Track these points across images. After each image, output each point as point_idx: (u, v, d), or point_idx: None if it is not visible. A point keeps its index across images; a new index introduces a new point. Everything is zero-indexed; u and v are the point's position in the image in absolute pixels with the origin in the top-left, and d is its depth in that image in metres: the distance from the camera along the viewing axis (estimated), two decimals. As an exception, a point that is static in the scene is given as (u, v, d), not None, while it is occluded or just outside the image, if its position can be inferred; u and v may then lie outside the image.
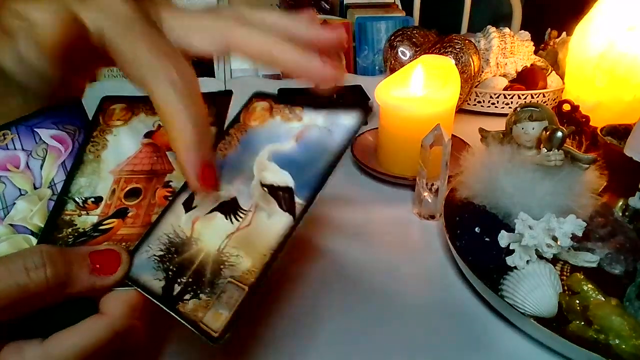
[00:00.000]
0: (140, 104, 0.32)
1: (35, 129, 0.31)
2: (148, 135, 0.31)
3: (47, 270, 0.21)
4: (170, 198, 0.28)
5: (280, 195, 0.25)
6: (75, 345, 0.22)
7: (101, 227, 0.27)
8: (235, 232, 0.25)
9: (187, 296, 0.24)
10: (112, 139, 0.31)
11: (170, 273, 0.25)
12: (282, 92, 0.73)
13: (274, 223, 0.25)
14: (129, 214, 0.28)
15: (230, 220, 0.26)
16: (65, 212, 0.28)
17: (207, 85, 0.75)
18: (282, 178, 0.26)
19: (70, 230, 0.28)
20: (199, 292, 0.24)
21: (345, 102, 0.68)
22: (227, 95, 0.31)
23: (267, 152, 0.27)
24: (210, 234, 0.26)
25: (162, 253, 0.26)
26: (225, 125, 0.30)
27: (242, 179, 0.27)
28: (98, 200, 0.29)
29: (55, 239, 0.27)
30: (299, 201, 0.25)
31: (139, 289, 0.24)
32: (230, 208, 0.26)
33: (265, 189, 0.26)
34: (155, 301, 0.24)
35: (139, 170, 0.30)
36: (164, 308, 0.24)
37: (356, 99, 0.71)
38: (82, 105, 0.32)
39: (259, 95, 0.30)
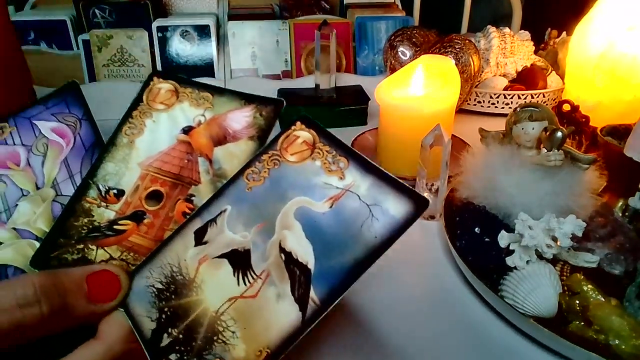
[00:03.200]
0: (188, 90, 0.30)
1: (34, 122, 0.29)
2: (186, 130, 0.29)
3: (42, 306, 0.20)
4: (188, 217, 0.26)
5: (297, 274, 0.22)
6: None
7: (116, 227, 0.27)
8: (238, 297, 0.23)
9: (173, 356, 0.22)
10: (150, 125, 0.30)
11: (163, 316, 0.23)
12: (283, 92, 0.73)
13: (281, 313, 0.21)
14: (145, 221, 0.27)
15: (237, 279, 0.23)
16: (86, 199, 0.28)
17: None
18: (304, 251, 0.22)
19: (86, 220, 0.27)
20: (185, 357, 0.22)
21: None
22: (277, 105, 0.28)
23: (296, 206, 0.24)
24: (213, 286, 0.23)
25: (161, 287, 0.24)
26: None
27: (262, 229, 0.24)
28: (120, 193, 0.28)
29: (70, 227, 0.27)
30: (313, 297, 0.21)
31: (129, 321, 0.23)
32: (240, 262, 0.24)
33: (283, 255, 0.23)
34: (142, 344, 0.23)
35: (166, 170, 0.28)
36: (147, 356, 0.23)
37: (359, 98, 0.71)
38: (81, 93, 0.31)
39: (305, 121, 0.27)
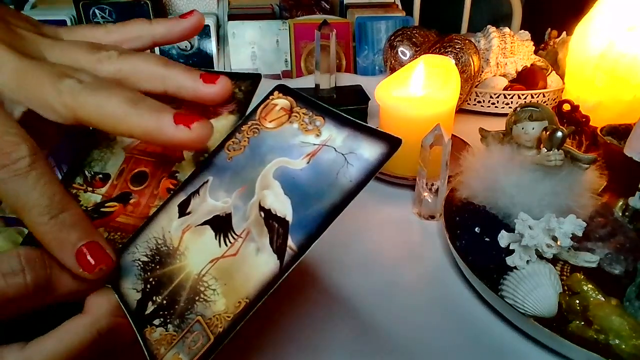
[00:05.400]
0: None
1: None
2: None
3: (26, 275, 0.20)
4: (172, 192, 0.27)
5: (275, 228, 0.22)
6: (57, 350, 0.21)
7: (103, 209, 0.27)
8: (220, 258, 0.23)
9: (156, 321, 0.23)
10: None
11: (148, 286, 0.24)
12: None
13: (260, 264, 0.22)
14: (131, 201, 0.27)
15: (219, 242, 0.24)
16: (73, 185, 0.28)
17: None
18: (282, 206, 0.23)
19: None
20: (168, 320, 0.23)
21: (355, 106, 0.68)
22: (254, 79, 0.29)
23: (275, 166, 0.24)
24: (196, 251, 0.24)
25: (146, 259, 0.25)
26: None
27: (243, 193, 0.24)
28: (105, 177, 0.28)
29: None
30: (291, 245, 0.22)
31: (115, 294, 0.24)
32: (222, 226, 0.24)
33: (263, 213, 0.23)
34: (127, 315, 0.23)
35: (150, 151, 0.29)
36: (132, 326, 0.23)
37: (359, 98, 0.71)
38: None
39: (282, 90, 0.27)
